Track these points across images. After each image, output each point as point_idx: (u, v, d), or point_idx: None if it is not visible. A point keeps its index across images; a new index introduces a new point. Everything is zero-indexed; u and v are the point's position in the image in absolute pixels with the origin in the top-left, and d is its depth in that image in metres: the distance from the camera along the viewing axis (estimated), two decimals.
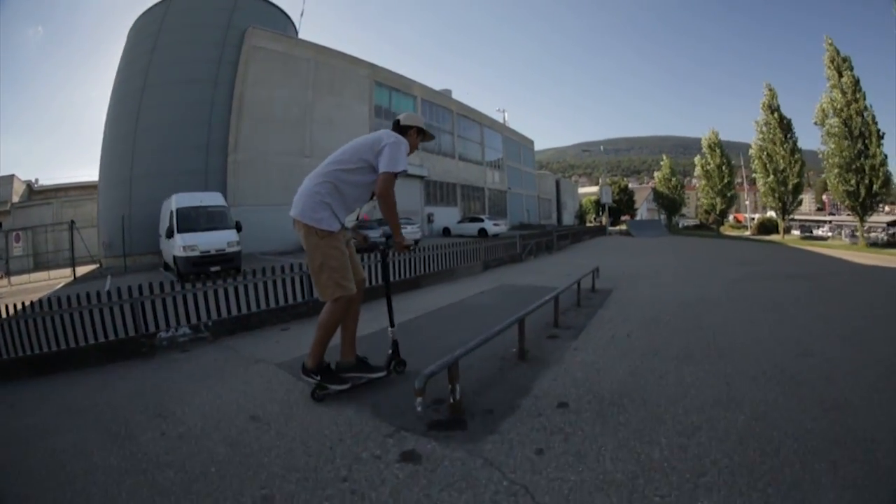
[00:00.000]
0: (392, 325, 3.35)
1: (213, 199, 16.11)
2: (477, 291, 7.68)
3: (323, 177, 3.11)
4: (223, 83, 22.22)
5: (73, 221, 20.24)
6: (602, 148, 56.00)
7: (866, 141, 25.43)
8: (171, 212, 14.75)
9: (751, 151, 36.92)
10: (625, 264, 11.77)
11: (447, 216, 33.27)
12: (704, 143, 44.79)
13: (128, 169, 22.54)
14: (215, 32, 23.32)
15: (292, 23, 30.73)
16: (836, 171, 26.52)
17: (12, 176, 38.87)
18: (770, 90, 35.63)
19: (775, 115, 34.85)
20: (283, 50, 23.69)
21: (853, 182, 25.76)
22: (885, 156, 25.71)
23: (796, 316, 5.19)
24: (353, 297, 3.08)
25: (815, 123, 28.07)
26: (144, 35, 25.02)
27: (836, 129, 26.32)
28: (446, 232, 30.18)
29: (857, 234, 29.00)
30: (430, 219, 32.33)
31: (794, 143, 34.30)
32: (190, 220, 14.62)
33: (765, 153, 35.19)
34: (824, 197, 73.70)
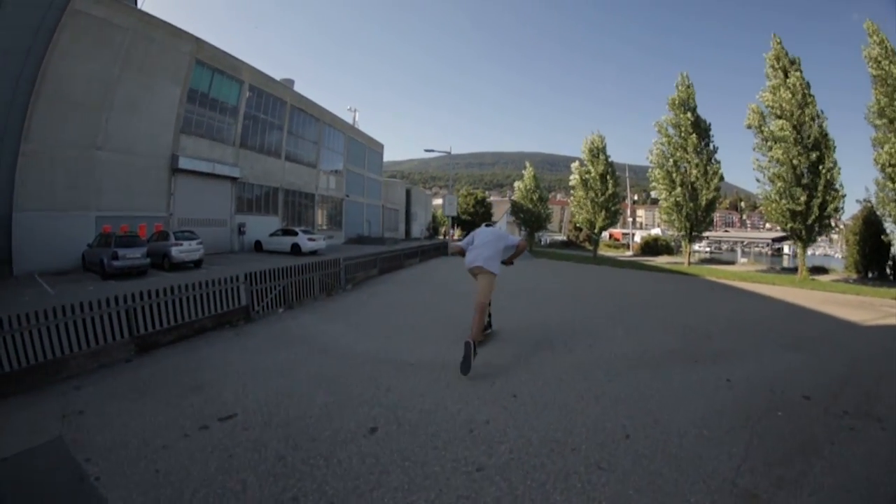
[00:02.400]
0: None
1: None
2: None
3: (495, 251, 7.37)
4: (36, 54, 21.73)
5: None
6: (451, 161, 59.29)
7: (822, 151, 25.22)
8: None
9: (649, 158, 35.54)
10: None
11: (265, 226, 33.51)
12: (584, 148, 43.30)
13: None
14: None
15: None
16: (779, 184, 26.00)
17: None
18: (686, 84, 35.08)
19: (689, 115, 33.90)
20: (103, 16, 23.30)
21: (802, 200, 25.08)
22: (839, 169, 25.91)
23: None
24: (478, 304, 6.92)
25: (749, 127, 27.88)
26: None
27: (786, 132, 25.79)
28: (258, 246, 30.87)
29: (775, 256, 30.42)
30: (241, 230, 32.19)
31: (713, 150, 33.92)
32: None
33: (670, 161, 34.16)
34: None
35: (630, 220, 74.10)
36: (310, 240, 28.86)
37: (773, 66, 27.33)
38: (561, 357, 6.99)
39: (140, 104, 25.10)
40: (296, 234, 29.44)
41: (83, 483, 3.84)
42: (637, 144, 66.12)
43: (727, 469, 3.53)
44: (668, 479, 3.42)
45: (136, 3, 30.01)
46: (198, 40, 28.91)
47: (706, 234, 41.75)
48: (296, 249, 27.38)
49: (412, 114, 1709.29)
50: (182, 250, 20.20)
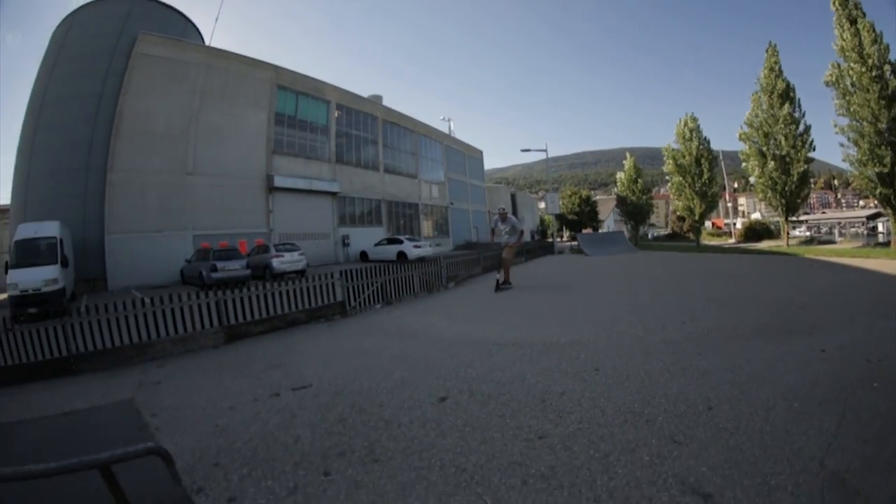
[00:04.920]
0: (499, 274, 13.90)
1: (46, 229, 18.02)
2: None
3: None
4: (109, 96, 25.25)
5: None
6: (552, 163, 60.15)
7: None
8: (12, 244, 17.34)
9: (740, 134, 34.83)
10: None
11: (369, 237, 35.35)
12: (677, 131, 42.70)
13: (24, 193, 26.16)
14: (107, 41, 26.54)
15: (195, 28, 34.20)
16: (863, 146, 24.87)
17: None
18: (774, 53, 33.66)
19: (779, 81, 32.66)
20: (171, 56, 26.66)
21: (887, 161, 23.80)
22: None
23: None
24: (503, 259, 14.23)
25: (827, 84, 26.86)
26: (53, 48, 28.73)
27: (864, 79, 24.62)
28: (363, 256, 32.32)
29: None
30: (345, 241, 34.78)
31: (801, 117, 32.36)
32: (21, 255, 16.76)
33: (761, 132, 33.28)
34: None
35: (729, 205, 71.41)
36: (415, 247, 29.87)
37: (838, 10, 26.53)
38: (653, 334, 6.97)
39: (225, 131, 28.17)
40: (401, 242, 30.77)
41: (141, 431, 4.55)
42: (735, 133, 64.98)
43: (815, 447, 3.27)
44: (748, 455, 3.23)
45: (202, 40, 34.78)
46: (275, 67, 32.34)
47: (805, 218, 43.63)
48: (402, 257, 28.16)
49: (511, 120, 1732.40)
50: (283, 261, 21.86)
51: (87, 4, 29.22)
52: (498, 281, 13.64)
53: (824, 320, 7.30)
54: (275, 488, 3.22)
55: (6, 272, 16.34)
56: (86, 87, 25.72)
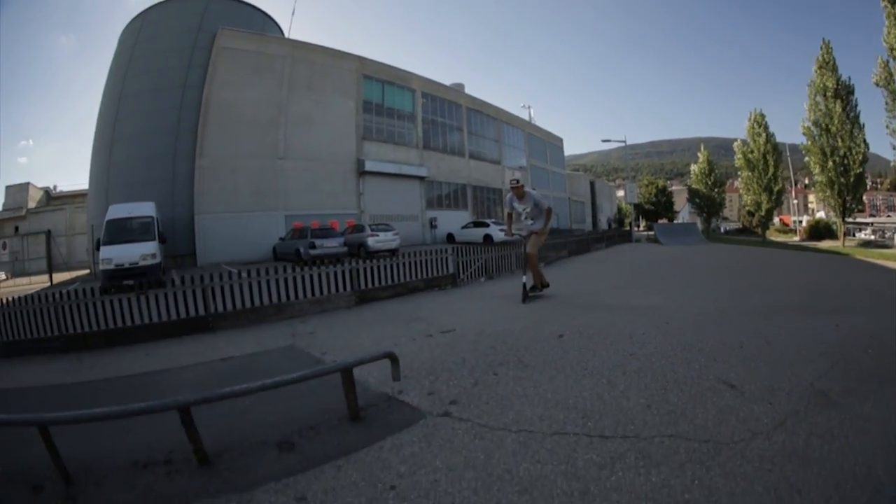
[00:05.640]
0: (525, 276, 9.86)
1: (142, 209, 20.10)
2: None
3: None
4: (192, 88, 28.30)
5: (49, 231, 29.04)
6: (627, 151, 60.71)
7: None
8: (104, 223, 19.10)
9: (802, 126, 34.81)
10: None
11: (455, 220, 37.65)
12: (747, 126, 43.76)
13: (105, 178, 29.55)
14: (186, 37, 29.52)
15: (274, 22, 37.11)
16: None
17: (28, 184, 54.36)
18: (828, 48, 33.78)
19: (832, 78, 32.94)
20: (254, 49, 29.54)
21: None
22: None
23: None
24: (528, 254, 9.84)
25: (877, 84, 27.49)
26: (124, 47, 32.13)
27: None
28: (450, 238, 34.28)
29: None
30: (432, 224, 37.06)
31: (857, 117, 32.62)
32: (115, 232, 18.54)
33: (821, 131, 33.42)
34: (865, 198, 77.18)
35: (795, 202, 69.95)
36: (501, 230, 30.39)
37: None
38: (708, 304, 9.11)
39: (315, 118, 31.22)
40: (487, 225, 32.87)
41: (318, 360, 6.28)
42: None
43: (810, 376, 4.83)
44: (761, 372, 4.95)
45: (282, 33, 37.87)
46: (359, 58, 34.69)
47: (870, 220, 44.54)
48: (488, 240, 29.63)
49: (589, 107, 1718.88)
50: (378, 240, 23.46)
51: (159, 4, 32.32)
52: (525, 286, 9.81)
53: (847, 307, 8.75)
54: (461, 384, 4.99)
55: (97, 249, 18.32)
56: (169, 79, 28.74)
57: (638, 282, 13.32)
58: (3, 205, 54.44)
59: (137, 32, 31.69)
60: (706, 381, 4.63)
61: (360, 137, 33.32)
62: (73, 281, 24.72)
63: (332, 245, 21.58)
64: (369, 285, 11.21)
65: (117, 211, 19.89)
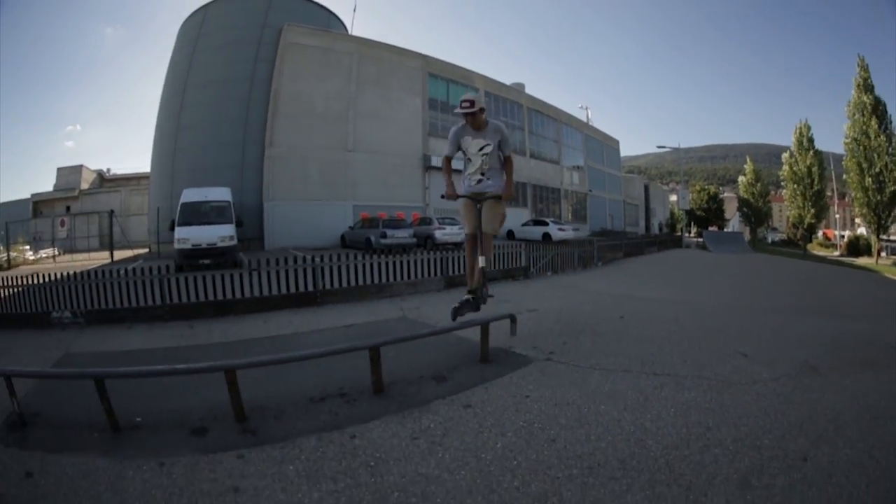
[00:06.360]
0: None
1: (218, 194, 21.47)
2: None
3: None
4: (260, 81, 30.68)
5: (112, 211, 31.80)
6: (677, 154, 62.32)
7: None
8: (178, 205, 20.43)
9: (844, 142, 36.36)
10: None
11: (515, 218, 38.15)
12: (794, 139, 45.29)
13: (170, 164, 32.24)
14: (251, 32, 31.90)
15: (338, 19, 39.49)
16: None
17: (81, 166, 60.11)
18: (862, 64, 35.56)
19: (869, 96, 34.65)
20: (322, 45, 31.83)
21: None
22: None
23: None
24: (483, 236, 6.60)
25: None
26: (186, 39, 34.85)
27: None
28: (510, 235, 35.47)
29: None
30: None
31: (892, 134, 34.28)
32: (190, 215, 19.69)
33: (860, 147, 34.80)
34: None
35: (837, 217, 69.42)
36: (559, 230, 33.58)
37: None
38: (739, 302, 12.24)
39: (383, 113, 33.69)
40: (546, 223, 35.05)
41: (430, 327, 7.66)
42: None
43: (806, 354, 6.30)
44: (768, 349, 6.59)
45: (346, 30, 40.02)
46: (423, 56, 36.66)
47: None
48: (546, 238, 31.36)
49: (644, 106, 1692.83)
50: (445, 233, 25.24)
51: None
52: (472, 293, 6.97)
53: (855, 314, 10.67)
54: (553, 343, 6.87)
55: (170, 229, 19.63)
56: (235, 71, 31.23)
57: (682, 282, 16.17)
58: (55, 185, 58.61)
59: (199, 26, 34.39)
60: (726, 350, 6.58)
61: (426, 134, 35.61)
62: (134, 259, 27.05)
63: (402, 236, 23.48)
64: (456, 272, 13.42)
65: (192, 195, 21.22)
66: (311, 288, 11.10)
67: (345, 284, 11.61)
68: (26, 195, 57.75)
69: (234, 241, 19.64)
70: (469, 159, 6.85)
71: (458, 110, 6.51)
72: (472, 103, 6.38)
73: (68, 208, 50.86)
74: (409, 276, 12.58)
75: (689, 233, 60.83)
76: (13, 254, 30.49)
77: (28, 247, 34.95)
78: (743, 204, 56.38)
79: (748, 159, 56.82)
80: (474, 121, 6.49)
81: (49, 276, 11.30)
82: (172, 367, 4.99)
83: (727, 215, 78.68)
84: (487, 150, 6.61)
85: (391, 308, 10.37)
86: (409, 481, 3.31)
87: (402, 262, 12.51)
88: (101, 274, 11.01)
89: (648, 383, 5.14)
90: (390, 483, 3.30)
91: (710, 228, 62.20)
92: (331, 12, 39.34)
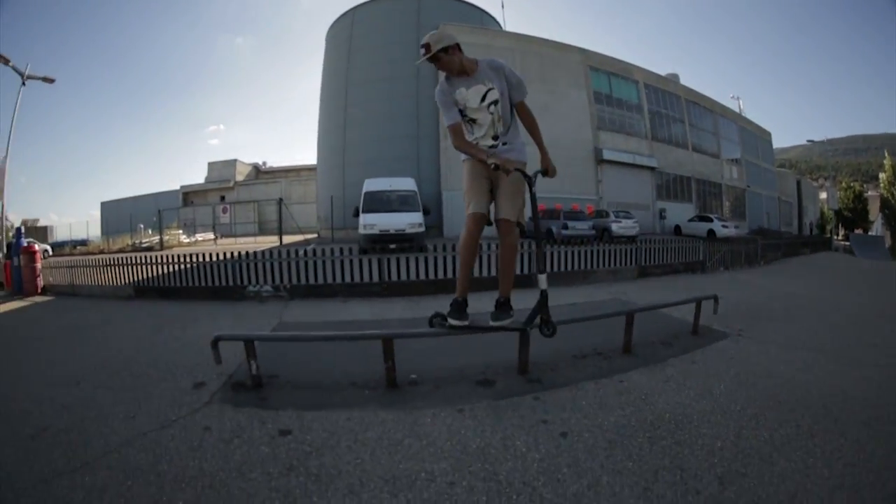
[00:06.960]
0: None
1: (403, 183, 23.13)
2: None
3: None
4: (424, 77, 33.36)
5: (281, 199, 36.51)
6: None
7: None
8: (362, 194, 22.15)
9: None
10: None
11: (680, 212, 40.55)
12: None
13: (339, 156, 36.28)
14: (406, 32, 34.32)
15: (490, 16, 41.20)
16: None
17: (235, 160, 69.48)
18: None
19: None
20: (481, 42, 33.31)
21: None
22: None
23: None
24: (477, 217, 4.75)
25: None
26: (338, 41, 38.51)
27: None
28: (677, 230, 37.22)
29: None
30: (661, 215, 40.20)
31: None
32: (375, 203, 21.37)
33: None
34: None
35: None
36: (723, 227, 35.32)
37: None
38: (870, 305, 12.79)
39: (552, 107, 34.96)
40: (711, 220, 36.55)
41: (640, 306, 8.46)
42: None
43: (840, 341, 7.84)
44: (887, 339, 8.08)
45: (500, 26, 42.04)
46: (583, 50, 38.27)
47: None
48: (711, 235, 32.94)
49: (793, 96, 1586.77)
50: (621, 226, 27.72)
51: (367, 3, 37.80)
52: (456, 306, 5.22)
53: None
54: (741, 324, 8.81)
55: (355, 216, 21.51)
56: (397, 70, 34.38)
57: (831, 284, 17.26)
58: (206, 178, 66.35)
59: (350, 28, 37.66)
60: (860, 336, 8.15)
61: (594, 127, 37.58)
62: (306, 242, 28.59)
63: (582, 227, 25.68)
64: (647, 262, 16.03)
65: (375, 184, 23.10)
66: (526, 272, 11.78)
67: (556, 270, 13.77)
68: (175, 187, 68.35)
69: (422, 228, 21.25)
70: (473, 120, 5.17)
71: (418, 62, 5.29)
72: (428, 47, 4.96)
73: (223, 198, 57.30)
74: (609, 264, 14.79)
75: (837, 235, 58.21)
76: (165, 237, 37.04)
77: (181, 231, 42.12)
78: (885, 204, 53.57)
79: (886, 154, 52.03)
80: (448, 66, 5.09)
81: (241, 253, 12.26)
82: (469, 323, 4.98)
83: (871, 216, 74.28)
84: (494, 96, 5.03)
85: (598, 292, 12.57)
86: (672, 407, 4.68)
87: (601, 252, 14.80)
88: (302, 253, 11.81)
89: (809, 356, 6.78)
90: (660, 408, 4.66)
91: (856, 231, 60.38)
92: (483, 11, 41.18)
